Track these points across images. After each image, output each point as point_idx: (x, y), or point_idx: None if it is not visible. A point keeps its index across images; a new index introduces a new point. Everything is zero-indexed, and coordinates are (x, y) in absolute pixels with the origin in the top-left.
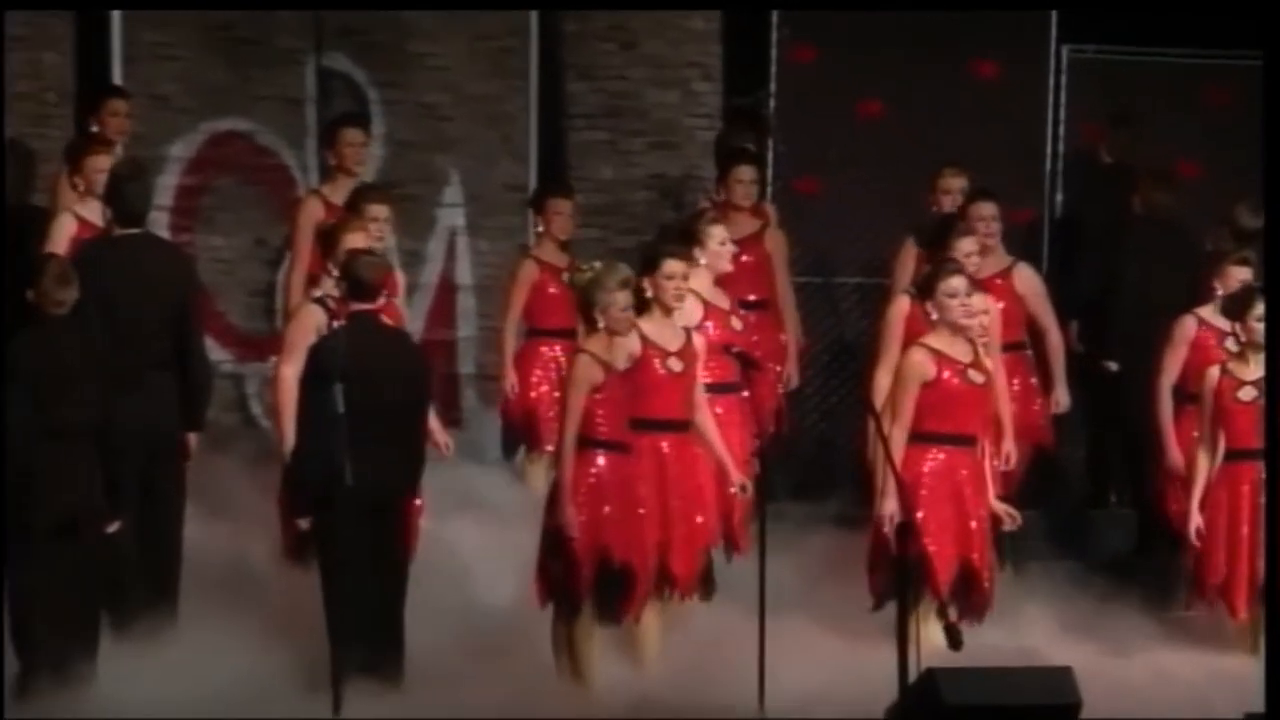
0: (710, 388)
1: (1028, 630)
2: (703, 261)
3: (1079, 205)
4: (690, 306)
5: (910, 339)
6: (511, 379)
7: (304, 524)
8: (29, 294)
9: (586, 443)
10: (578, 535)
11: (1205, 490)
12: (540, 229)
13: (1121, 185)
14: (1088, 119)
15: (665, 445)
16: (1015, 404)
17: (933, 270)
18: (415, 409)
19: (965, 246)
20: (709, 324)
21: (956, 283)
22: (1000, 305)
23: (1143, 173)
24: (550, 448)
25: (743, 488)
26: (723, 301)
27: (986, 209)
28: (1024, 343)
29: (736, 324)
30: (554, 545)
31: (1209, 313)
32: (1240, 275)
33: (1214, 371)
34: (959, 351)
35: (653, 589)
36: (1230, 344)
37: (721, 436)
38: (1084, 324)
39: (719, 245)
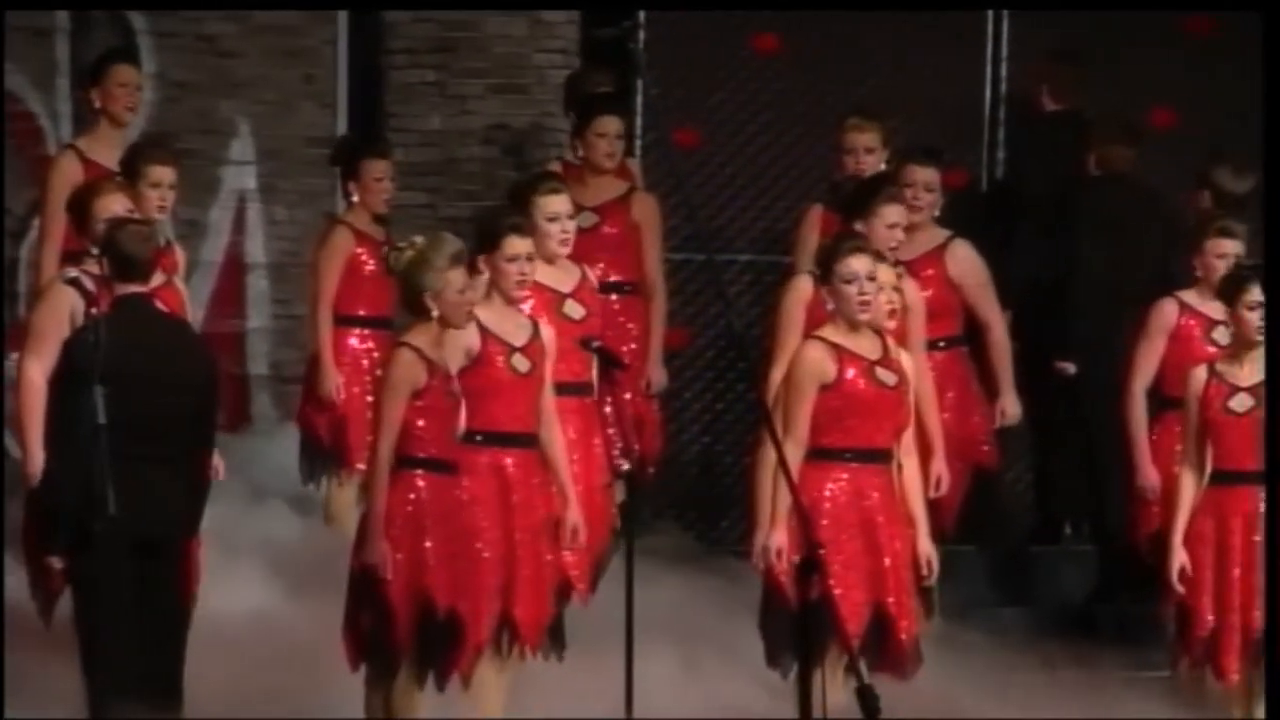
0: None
1: (961, 694)
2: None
3: (1023, 164)
4: None
5: (812, 330)
6: (335, 379)
7: (56, 564)
8: None
9: (404, 461)
10: (392, 577)
11: (1190, 521)
12: (354, 198)
13: (1071, 138)
14: (1036, 58)
15: (509, 463)
16: (949, 414)
17: (830, 246)
18: (197, 419)
19: (889, 215)
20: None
21: (856, 264)
22: (929, 291)
23: (1099, 122)
24: (362, 467)
25: (574, 532)
26: (563, 283)
27: (921, 174)
28: (960, 338)
29: (574, 312)
30: (364, 591)
31: (1194, 297)
32: (1219, 250)
33: (1200, 373)
34: (865, 346)
35: (493, 641)
36: (1219, 335)
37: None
38: (1026, 314)
39: (545, 221)
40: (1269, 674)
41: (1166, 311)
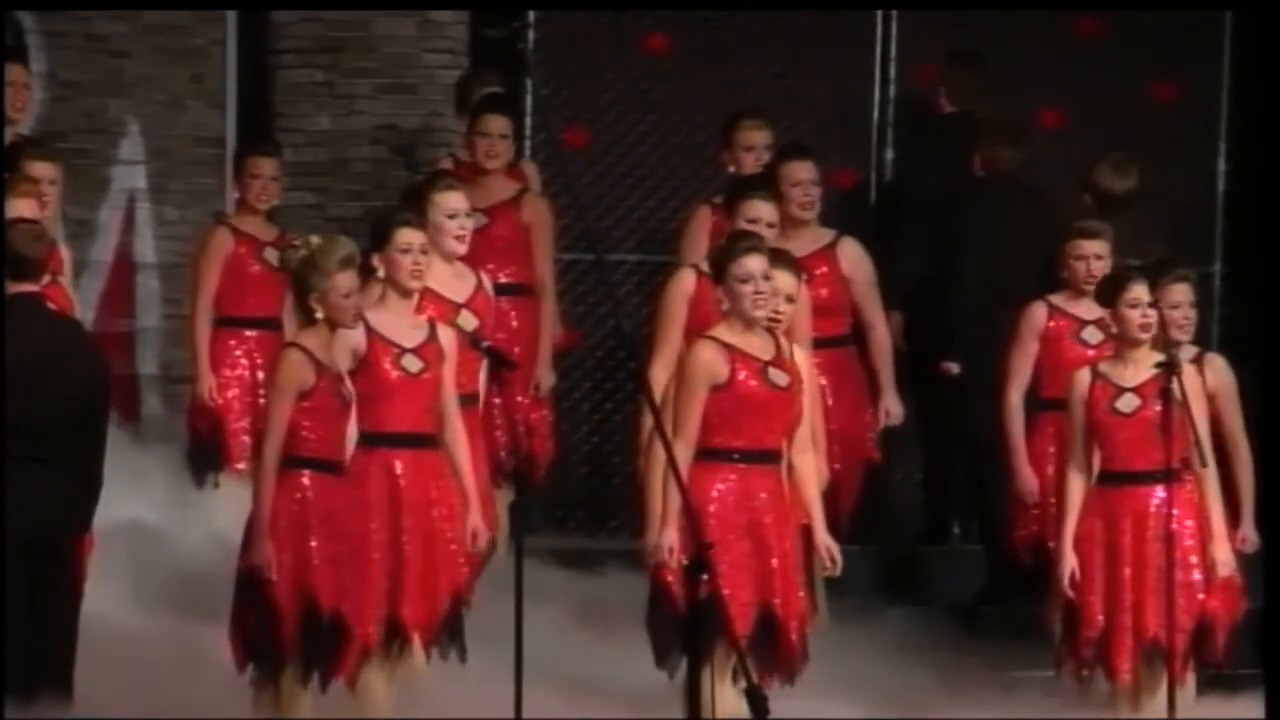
0: None
1: (849, 694)
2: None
3: (913, 165)
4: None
5: (697, 326)
6: (209, 382)
7: None
8: None
9: (290, 461)
10: (277, 577)
11: (1078, 523)
12: (236, 195)
13: (965, 140)
14: (925, 58)
15: (399, 464)
16: (839, 412)
17: (725, 246)
18: (89, 419)
19: (752, 210)
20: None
21: (752, 263)
22: (824, 290)
23: (987, 124)
24: (242, 467)
25: (474, 535)
26: (458, 291)
27: (800, 170)
28: (847, 338)
29: (467, 323)
30: (250, 591)
31: (1062, 299)
32: (1078, 251)
33: (1083, 376)
34: (757, 346)
35: (382, 643)
36: (1089, 335)
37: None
38: (913, 314)
39: (444, 218)
40: (1268, 672)
41: (1035, 314)
